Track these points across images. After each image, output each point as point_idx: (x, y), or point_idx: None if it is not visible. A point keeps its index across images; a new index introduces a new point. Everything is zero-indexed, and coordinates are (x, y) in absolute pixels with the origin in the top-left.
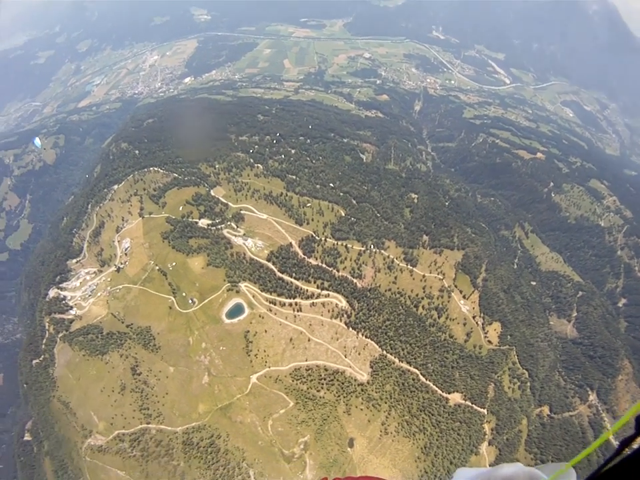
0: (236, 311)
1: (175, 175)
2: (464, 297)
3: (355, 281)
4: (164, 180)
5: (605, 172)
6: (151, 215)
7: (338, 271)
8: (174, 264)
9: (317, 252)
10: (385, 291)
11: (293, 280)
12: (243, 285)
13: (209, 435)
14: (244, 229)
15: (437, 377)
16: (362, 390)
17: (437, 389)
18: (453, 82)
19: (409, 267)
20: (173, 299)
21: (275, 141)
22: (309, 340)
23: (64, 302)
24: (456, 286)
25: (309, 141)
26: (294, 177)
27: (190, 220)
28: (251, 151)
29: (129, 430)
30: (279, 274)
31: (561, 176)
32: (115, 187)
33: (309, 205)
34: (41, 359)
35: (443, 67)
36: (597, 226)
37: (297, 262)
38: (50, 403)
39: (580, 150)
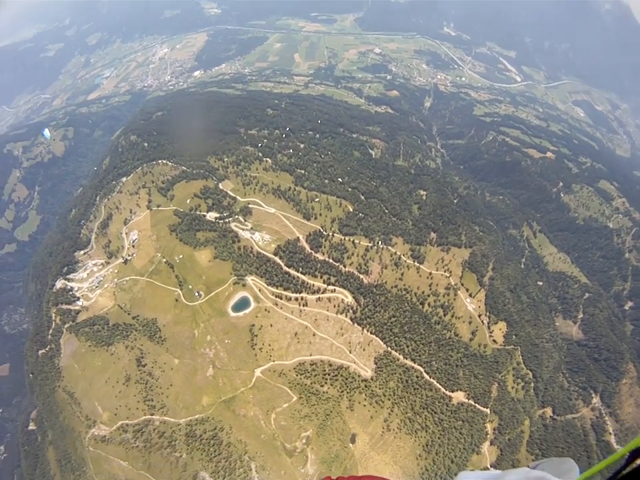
0: (242, 304)
1: (183, 167)
2: (470, 295)
3: (361, 276)
4: (172, 173)
5: (615, 173)
6: (159, 208)
7: (345, 266)
8: (181, 256)
9: (324, 247)
10: (391, 287)
11: (299, 274)
12: (250, 279)
13: (212, 427)
14: (251, 222)
15: (440, 374)
16: (365, 386)
17: (440, 387)
18: (463, 79)
19: (415, 263)
20: (180, 292)
21: (284, 135)
22: (314, 335)
23: (71, 293)
24: (462, 284)
25: (318, 135)
26: (302, 171)
27: (198, 213)
28: (260, 144)
29: (132, 421)
30: (285, 268)
31: (570, 176)
32: (124, 179)
33: (317, 200)
34: (47, 349)
35: (453, 64)
36: (606, 227)
37: (303, 257)
38: (55, 393)
39: (590, 150)
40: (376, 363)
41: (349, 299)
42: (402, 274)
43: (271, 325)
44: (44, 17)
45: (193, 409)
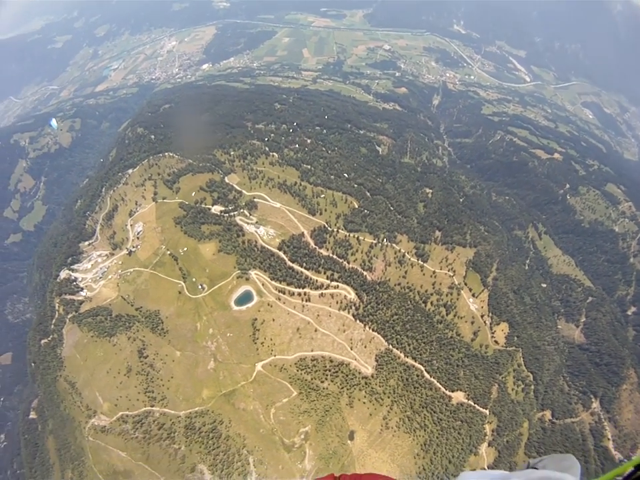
0: (245, 298)
1: (189, 160)
2: (473, 295)
3: (364, 273)
4: (179, 165)
5: (622, 176)
6: (165, 200)
7: (348, 262)
8: (185, 249)
9: (329, 243)
10: (395, 285)
11: (303, 270)
12: (253, 273)
13: (212, 420)
14: (257, 216)
15: (441, 374)
16: (366, 383)
17: (440, 386)
18: (472, 77)
19: (419, 262)
20: (183, 284)
21: (291, 130)
22: (315, 330)
23: (74, 283)
24: (466, 284)
25: (325, 131)
26: (309, 166)
27: (203, 206)
28: (267, 139)
29: (132, 412)
30: (289, 263)
31: (577, 178)
32: (130, 171)
33: (322, 196)
34: (49, 338)
35: (462, 62)
36: (611, 231)
37: (308, 252)
38: (56, 383)
39: (598, 153)
40: (377, 361)
41: (352, 295)
42: (405, 272)
43: (273, 320)
44: (52, 9)
45: (193, 401)
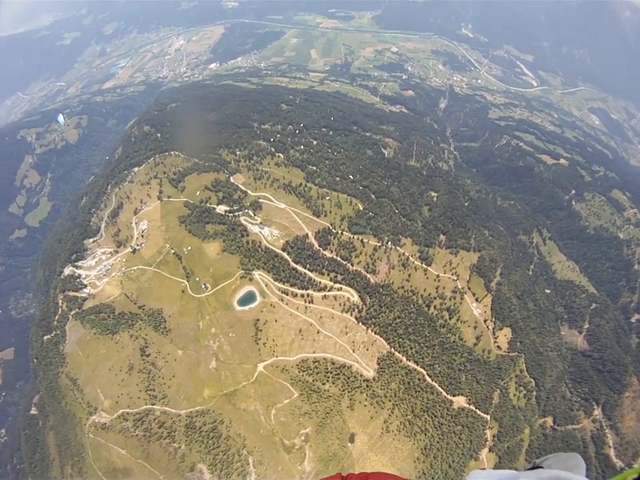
0: (248, 298)
1: (195, 159)
2: (476, 299)
3: (368, 276)
4: (184, 164)
5: (628, 183)
6: (170, 199)
7: (352, 265)
8: (189, 248)
9: (333, 244)
10: (398, 288)
11: (306, 271)
12: (257, 273)
13: (212, 420)
14: (261, 217)
15: (443, 378)
16: (367, 386)
17: (442, 390)
18: (479, 81)
19: (423, 265)
20: (186, 283)
21: (297, 131)
22: (318, 332)
23: (78, 280)
24: (469, 288)
25: (331, 132)
26: (314, 168)
27: (208, 205)
28: (273, 139)
29: (133, 410)
30: (293, 264)
31: (583, 184)
32: (136, 169)
33: (327, 198)
34: (52, 335)
35: (470, 66)
36: (616, 238)
37: (311, 253)
38: (58, 379)
39: (604, 159)
40: (379, 364)
41: (355, 297)
42: (409, 275)
43: (276, 321)
44: (61, 6)
45: (194, 400)
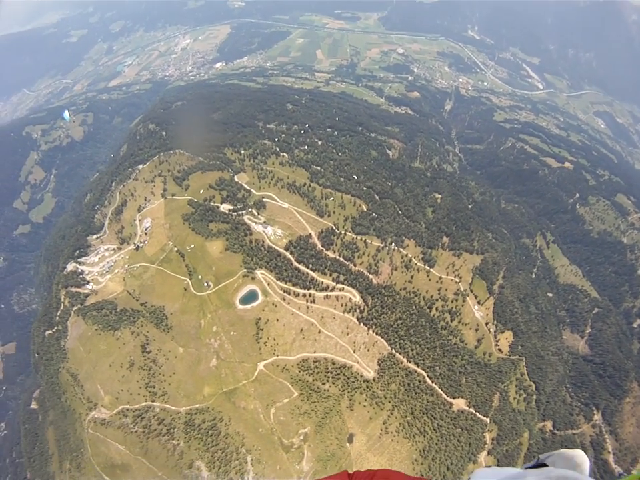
0: (250, 297)
1: (200, 158)
2: (478, 302)
3: (370, 276)
4: (189, 163)
5: (633, 187)
6: (174, 197)
7: (355, 265)
8: (192, 246)
9: (336, 245)
10: (400, 289)
11: (309, 271)
12: (259, 272)
13: (212, 417)
14: (265, 216)
15: (443, 380)
16: (367, 387)
17: (442, 392)
18: (485, 83)
19: (426, 267)
20: (189, 281)
21: (302, 131)
22: (319, 332)
23: (81, 276)
24: (472, 290)
25: (336, 133)
26: (319, 168)
27: (212, 204)
28: (277, 139)
29: (133, 406)
30: (295, 264)
31: (587, 188)
32: (140, 166)
33: (331, 199)
34: (54, 330)
35: (476, 68)
36: (620, 242)
37: (314, 253)
38: (59, 374)
39: (609, 163)
40: (379, 365)
41: (357, 298)
42: (412, 276)
43: (277, 320)
44: (68, 4)
45: (193, 398)
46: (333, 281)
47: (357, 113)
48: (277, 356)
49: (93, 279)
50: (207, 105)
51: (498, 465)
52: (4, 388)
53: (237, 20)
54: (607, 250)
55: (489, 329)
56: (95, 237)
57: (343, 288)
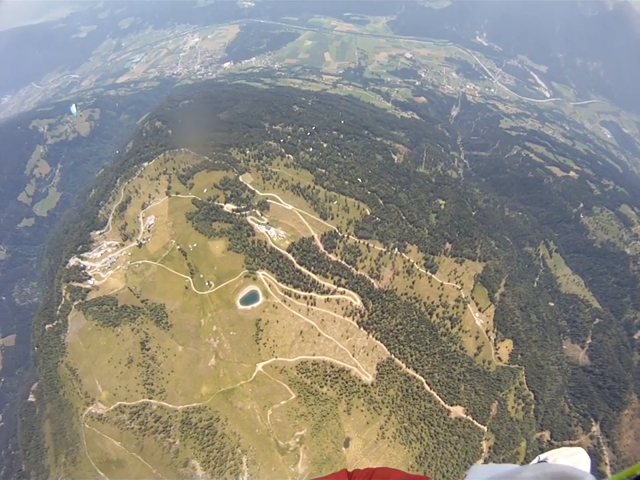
0: (250, 297)
1: (205, 157)
2: (479, 309)
3: (372, 281)
4: (194, 162)
5: (637, 198)
6: (178, 195)
7: (357, 269)
8: (195, 245)
9: (338, 248)
10: (401, 294)
11: (310, 273)
12: (261, 273)
13: (208, 417)
14: (268, 217)
15: (441, 387)
16: (365, 391)
17: (440, 399)
18: (492, 90)
19: (428, 273)
20: (190, 280)
21: (308, 133)
22: (319, 335)
23: (83, 271)
24: (473, 298)
25: (342, 136)
26: (323, 170)
27: (215, 203)
28: (283, 140)
29: (130, 402)
30: (297, 266)
31: (591, 197)
32: (145, 164)
33: (335, 202)
34: (54, 324)
35: (483, 74)
36: (623, 253)
37: (316, 256)
38: (57, 368)
39: (614, 173)
40: (378, 369)
41: (358, 302)
42: (413, 282)
43: (277, 321)
44: None
45: (191, 396)
46: (334, 284)
47: (363, 117)
48: (276, 357)
49: (94, 275)
50: (213, 104)
51: None
52: (2, 380)
53: (246, 20)
54: (609, 260)
55: (489, 337)
56: (98, 232)
57: (344, 291)
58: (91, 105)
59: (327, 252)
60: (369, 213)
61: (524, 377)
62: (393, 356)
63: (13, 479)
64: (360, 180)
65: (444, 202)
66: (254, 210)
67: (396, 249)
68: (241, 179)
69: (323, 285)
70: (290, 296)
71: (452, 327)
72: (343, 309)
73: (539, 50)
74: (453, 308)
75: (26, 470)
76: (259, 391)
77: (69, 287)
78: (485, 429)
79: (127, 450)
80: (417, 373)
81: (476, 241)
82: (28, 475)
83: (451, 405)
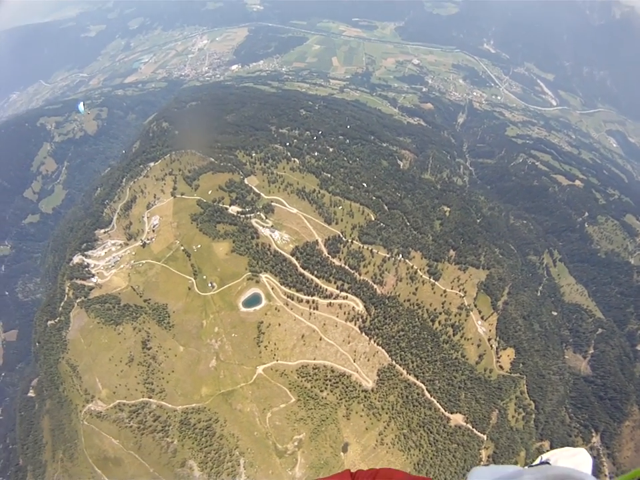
0: (253, 300)
1: (211, 159)
2: (482, 317)
3: (375, 286)
4: (200, 163)
5: None
6: (183, 196)
7: (360, 274)
8: (199, 246)
9: (342, 253)
10: (404, 300)
11: (313, 277)
12: (264, 276)
13: (207, 418)
14: (272, 220)
15: (442, 394)
16: (365, 397)
17: (440, 407)
18: (499, 98)
19: (431, 279)
20: (193, 281)
21: (314, 137)
22: (320, 339)
23: (87, 269)
24: (476, 305)
25: (348, 140)
26: (329, 175)
27: (220, 205)
28: (289, 144)
29: (130, 401)
30: (300, 270)
31: (597, 207)
32: (151, 164)
33: (340, 207)
34: (56, 320)
35: (490, 82)
36: (627, 263)
37: (320, 260)
38: (58, 364)
39: (619, 182)
40: (378, 375)
41: (360, 307)
42: (416, 288)
43: (279, 325)
44: None
45: (191, 397)
46: (337, 288)
47: (369, 122)
48: (277, 360)
49: (98, 273)
50: (221, 106)
51: None
52: (2, 374)
53: (255, 23)
54: (613, 270)
55: (491, 345)
56: (102, 231)
57: (347, 296)
58: (99, 104)
59: (330, 256)
60: (373, 219)
61: (525, 386)
62: (394, 362)
63: (10, 472)
64: (365, 185)
65: (449, 209)
66: (258, 213)
67: (400, 255)
68: (246, 182)
69: (326, 290)
70: (292, 299)
71: (454, 335)
72: (345, 313)
73: (546, 58)
74: (455, 315)
75: (23, 464)
76: (259, 394)
77: (72, 284)
78: (485, 437)
79: (125, 448)
80: (417, 379)
81: (480, 248)
82: (25, 470)
83: (451, 413)
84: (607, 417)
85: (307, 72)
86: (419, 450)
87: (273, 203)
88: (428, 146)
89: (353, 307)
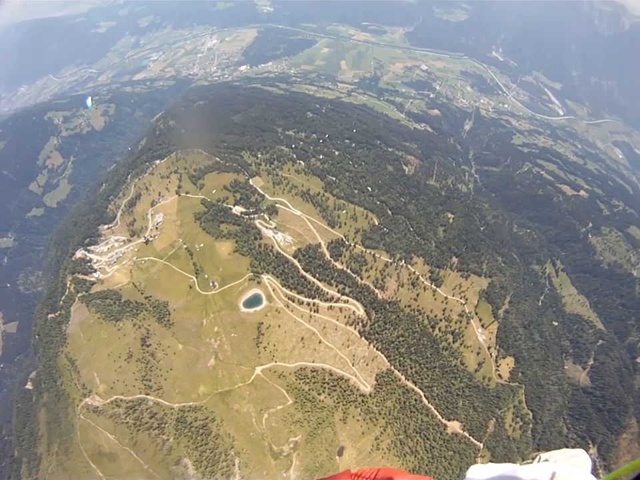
0: (254, 301)
1: (217, 159)
2: (482, 325)
3: (376, 291)
4: (205, 162)
5: None
6: (187, 195)
7: (361, 278)
8: (202, 245)
9: (344, 256)
10: (405, 306)
11: (315, 280)
12: (265, 277)
13: (204, 416)
14: (276, 222)
15: (440, 401)
16: (362, 401)
17: (437, 414)
18: (506, 106)
19: (432, 286)
20: (195, 279)
21: (320, 140)
22: (319, 342)
23: (89, 264)
24: (476, 313)
25: (354, 144)
26: (334, 178)
27: (224, 205)
28: (295, 146)
29: (127, 397)
30: (302, 272)
31: (601, 218)
32: (157, 161)
33: (344, 211)
34: (56, 314)
35: (498, 89)
36: (629, 275)
37: (322, 263)
38: (57, 358)
39: (624, 194)
40: (377, 380)
41: (361, 311)
42: (417, 294)
43: (279, 326)
44: None
45: (188, 395)
46: (338, 292)
47: (376, 127)
48: (275, 362)
49: (100, 268)
50: (228, 106)
51: None
52: (1, 365)
53: (264, 25)
54: (616, 282)
55: (490, 354)
56: (106, 226)
57: (348, 300)
58: (107, 100)
59: (332, 260)
60: (376, 223)
61: (523, 395)
62: (392, 367)
63: (5, 464)
64: (370, 189)
65: (452, 216)
66: (262, 214)
67: (402, 261)
68: (251, 182)
69: (327, 293)
70: (293, 301)
71: (454, 342)
72: (345, 317)
73: (554, 67)
74: (455, 322)
75: (18, 456)
76: (256, 394)
77: (73, 278)
78: (481, 445)
79: (120, 444)
80: (415, 385)
81: (482, 256)
82: (20, 462)
83: (448, 420)
84: (604, 428)
85: (315, 75)
86: (415, 456)
87: (277, 205)
88: (434, 152)
89: (354, 311)
